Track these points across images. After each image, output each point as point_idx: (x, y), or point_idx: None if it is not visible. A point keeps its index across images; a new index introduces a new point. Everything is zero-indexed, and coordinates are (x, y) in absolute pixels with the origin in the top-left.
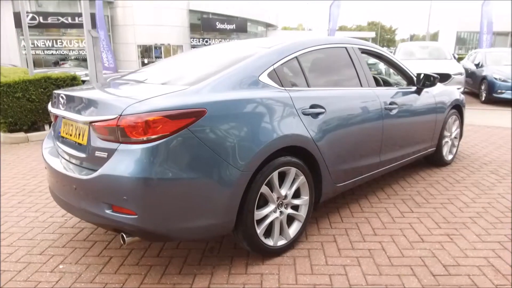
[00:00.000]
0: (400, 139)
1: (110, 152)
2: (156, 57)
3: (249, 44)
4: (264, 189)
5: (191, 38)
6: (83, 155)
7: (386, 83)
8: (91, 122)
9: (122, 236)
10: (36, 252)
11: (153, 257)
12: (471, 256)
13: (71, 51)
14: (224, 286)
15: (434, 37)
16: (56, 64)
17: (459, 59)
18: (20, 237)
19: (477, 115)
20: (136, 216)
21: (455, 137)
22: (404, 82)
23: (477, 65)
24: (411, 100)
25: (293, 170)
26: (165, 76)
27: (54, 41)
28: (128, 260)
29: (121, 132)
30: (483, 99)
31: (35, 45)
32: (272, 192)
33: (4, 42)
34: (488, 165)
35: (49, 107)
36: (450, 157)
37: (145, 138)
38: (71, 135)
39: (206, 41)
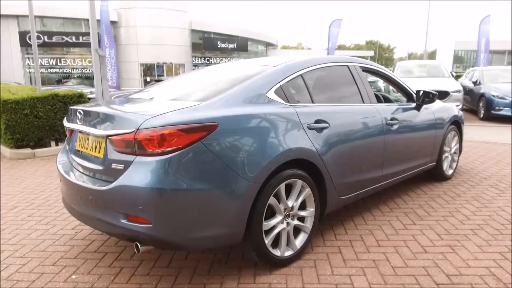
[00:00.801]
0: (401, 154)
1: (127, 164)
2: (158, 75)
3: (254, 63)
4: (272, 200)
5: (192, 56)
6: (99, 167)
7: (386, 100)
8: (108, 136)
9: (136, 245)
10: (49, 263)
11: (163, 267)
12: (473, 266)
13: (74, 69)
14: None
15: (432, 55)
16: (59, 82)
17: (457, 77)
18: (32, 249)
19: (476, 132)
20: (151, 225)
21: (455, 152)
22: (403, 99)
23: (474, 83)
24: (411, 116)
25: (299, 183)
26: (174, 93)
27: (57, 59)
28: (139, 270)
29: (138, 145)
30: (482, 116)
31: (39, 64)
32: (279, 203)
33: (8, 61)
34: (487, 180)
35: (65, 122)
36: (450, 171)
37: (160, 151)
38: (87, 149)
39: (208, 60)
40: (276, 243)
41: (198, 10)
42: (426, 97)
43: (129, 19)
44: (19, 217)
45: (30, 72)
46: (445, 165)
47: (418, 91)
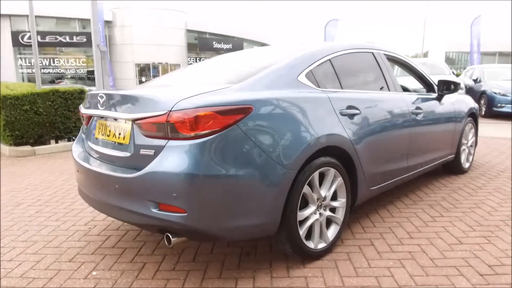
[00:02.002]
0: (424, 144)
1: (158, 149)
2: (154, 76)
3: (278, 48)
4: (306, 189)
5: (188, 57)
6: (125, 154)
7: (405, 89)
8: (135, 120)
9: (168, 236)
10: (65, 259)
11: (188, 262)
12: None
13: (67, 69)
14: None
15: (424, 56)
16: (52, 82)
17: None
18: (45, 245)
19: (480, 128)
20: (185, 214)
21: (471, 145)
22: (423, 90)
23: (475, 81)
24: (434, 106)
25: (332, 171)
26: (197, 78)
27: (51, 59)
28: (163, 265)
29: (171, 128)
30: (483, 113)
31: (32, 64)
32: (312, 192)
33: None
34: (504, 173)
35: (81, 108)
36: (467, 165)
37: (194, 134)
38: (108, 136)
39: (203, 60)
40: (308, 235)
41: (193, 10)
42: (448, 87)
43: (124, 19)
44: (26, 213)
45: (22, 73)
46: (463, 157)
47: (440, 81)
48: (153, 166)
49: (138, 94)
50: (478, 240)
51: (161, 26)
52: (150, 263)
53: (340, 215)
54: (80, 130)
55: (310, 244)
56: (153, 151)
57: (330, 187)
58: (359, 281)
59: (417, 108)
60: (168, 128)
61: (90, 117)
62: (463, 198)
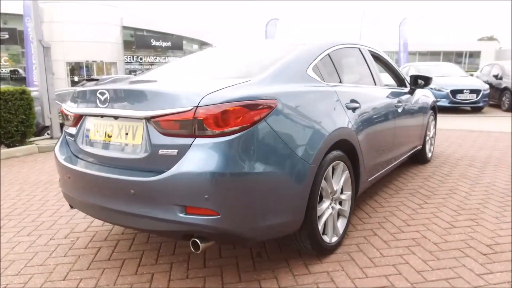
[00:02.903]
0: (404, 136)
1: (182, 148)
2: (88, 75)
3: (275, 43)
4: (323, 183)
5: (124, 55)
6: (137, 156)
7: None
8: (151, 118)
9: (195, 242)
10: (57, 278)
11: (200, 268)
12: (503, 235)
13: None
14: (296, 287)
15: None
16: None
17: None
18: (27, 264)
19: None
20: (218, 216)
21: (432, 136)
22: (394, 84)
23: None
24: (408, 99)
25: (341, 165)
26: (203, 72)
27: None
28: (174, 274)
29: (199, 125)
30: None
31: None
32: (327, 187)
33: None
34: (462, 160)
35: (68, 107)
36: (429, 154)
37: (225, 131)
38: (110, 136)
39: (141, 59)
40: (322, 230)
41: (129, 6)
42: (422, 81)
43: (52, 14)
44: None
45: None
46: (427, 148)
47: (412, 76)
48: (181, 167)
49: (154, 89)
50: (467, 223)
51: (94, 22)
52: (159, 273)
53: (347, 207)
54: (63, 133)
55: (326, 239)
56: (176, 150)
57: (339, 180)
58: (380, 271)
59: (398, 101)
60: (196, 125)
61: (80, 117)
62: (437, 186)
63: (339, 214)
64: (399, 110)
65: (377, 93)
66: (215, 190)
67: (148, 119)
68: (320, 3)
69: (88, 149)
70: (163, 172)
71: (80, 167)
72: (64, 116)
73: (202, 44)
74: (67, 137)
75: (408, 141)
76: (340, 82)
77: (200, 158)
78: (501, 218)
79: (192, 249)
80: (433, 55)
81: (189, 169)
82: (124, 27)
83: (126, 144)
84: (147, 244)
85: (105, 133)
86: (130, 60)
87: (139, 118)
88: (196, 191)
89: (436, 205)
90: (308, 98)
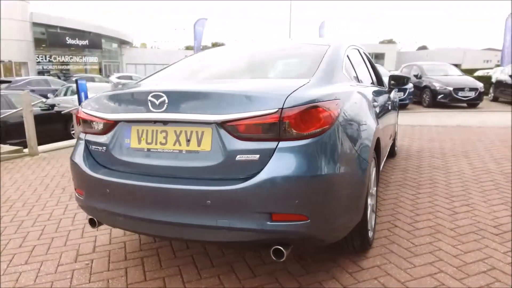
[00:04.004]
0: (390, 131)
1: (265, 153)
2: None
3: (297, 42)
4: (369, 180)
5: (36, 54)
6: (206, 164)
7: None
8: (225, 122)
9: (279, 250)
10: None
11: (249, 278)
12: (500, 216)
13: None
14: (358, 284)
15: None
16: None
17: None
18: None
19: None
20: (307, 221)
21: (396, 132)
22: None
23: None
24: (390, 98)
25: (374, 161)
26: (235, 73)
27: None
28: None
29: (284, 127)
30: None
31: None
32: (370, 183)
33: None
34: (422, 152)
35: (98, 113)
36: (396, 148)
37: (310, 132)
38: (164, 144)
39: (55, 58)
40: None
41: (41, 1)
42: (400, 81)
43: None
44: None
45: None
46: (396, 143)
47: (391, 76)
48: (269, 172)
49: (227, 91)
50: (465, 209)
51: None
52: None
53: (374, 201)
54: (83, 141)
55: (370, 234)
56: (258, 155)
57: (372, 176)
58: (422, 259)
59: (388, 99)
60: (282, 128)
61: (114, 124)
62: (418, 177)
63: (371, 209)
64: (390, 107)
65: (380, 92)
66: (306, 194)
67: (220, 123)
68: (249, 3)
69: (130, 159)
70: (241, 179)
71: (126, 179)
72: (84, 122)
73: (122, 43)
74: (92, 146)
75: (390, 136)
76: (358, 81)
77: (288, 162)
78: (489, 202)
79: (273, 257)
80: None
81: (278, 174)
82: (35, 24)
83: (188, 152)
84: (176, 258)
85: (156, 140)
86: (42, 59)
87: (207, 123)
88: (286, 197)
89: (429, 195)
90: (355, 97)
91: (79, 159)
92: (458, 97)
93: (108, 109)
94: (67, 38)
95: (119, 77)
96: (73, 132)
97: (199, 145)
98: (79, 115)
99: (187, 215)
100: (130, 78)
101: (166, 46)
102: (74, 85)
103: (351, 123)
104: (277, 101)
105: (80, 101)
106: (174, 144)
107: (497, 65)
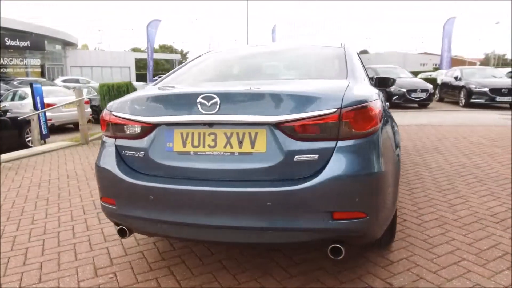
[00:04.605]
0: None
1: (325, 153)
2: None
3: (314, 45)
4: None
5: None
6: (262, 165)
7: None
8: (282, 122)
9: (337, 248)
10: None
11: (285, 279)
12: (493, 206)
13: None
14: (394, 277)
15: None
16: None
17: None
18: None
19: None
20: (366, 218)
21: None
22: None
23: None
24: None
25: None
26: (270, 72)
27: None
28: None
29: (343, 127)
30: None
31: None
32: None
33: None
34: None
35: (135, 116)
36: None
37: (366, 131)
38: (213, 147)
39: None
40: None
41: None
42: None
43: None
44: None
45: None
46: None
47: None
48: (330, 171)
49: (285, 91)
50: (459, 201)
51: None
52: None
53: None
54: (113, 146)
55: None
56: (317, 155)
57: None
58: (443, 249)
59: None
60: (340, 127)
61: (152, 127)
62: (404, 173)
63: None
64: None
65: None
66: (365, 191)
67: (275, 124)
68: (206, 3)
69: (174, 163)
70: (300, 179)
71: (174, 184)
72: (115, 126)
73: (66, 44)
74: (126, 151)
75: None
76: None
77: (348, 160)
78: (477, 193)
79: (330, 255)
80: None
81: (340, 172)
82: None
83: (241, 154)
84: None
85: (204, 143)
86: None
87: (262, 124)
88: (347, 195)
89: (422, 189)
90: (380, 96)
91: (110, 165)
92: (411, 98)
93: (147, 111)
94: (6, 39)
95: (64, 81)
96: (29, 139)
97: (252, 146)
98: (106, 118)
99: (244, 218)
100: (77, 81)
101: (112, 48)
102: (21, 90)
103: (387, 122)
104: (335, 101)
105: (36, 106)
106: (225, 147)
107: (436, 68)
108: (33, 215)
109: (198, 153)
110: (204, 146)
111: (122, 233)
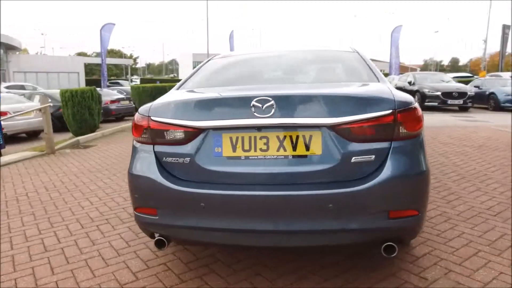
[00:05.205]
0: None
1: (380, 153)
2: None
3: (318, 48)
4: None
5: None
6: (318, 168)
7: None
8: (338, 124)
9: (390, 246)
10: None
11: (326, 279)
12: (477, 196)
13: None
14: (426, 271)
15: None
16: None
17: None
18: None
19: None
20: (418, 215)
21: None
22: None
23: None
24: None
25: None
26: (293, 76)
27: None
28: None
29: (398, 128)
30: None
31: None
32: None
33: None
34: None
35: (178, 120)
36: None
37: (416, 132)
38: (264, 151)
39: None
40: None
41: None
42: None
43: None
44: None
45: None
46: None
47: None
48: (389, 171)
49: (341, 93)
50: (453, 197)
51: None
52: None
53: None
54: (151, 153)
55: None
56: (373, 156)
57: None
58: (458, 242)
59: None
60: (395, 128)
61: (197, 132)
62: None
63: None
64: None
65: None
66: (417, 189)
67: (331, 126)
68: (162, 3)
69: (224, 168)
70: (357, 180)
71: (229, 190)
72: (153, 132)
73: (8, 49)
74: (167, 158)
75: None
76: None
77: (404, 160)
78: (466, 189)
79: (384, 253)
80: None
81: (398, 172)
82: None
83: (296, 156)
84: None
85: (255, 147)
86: None
87: (316, 126)
88: (403, 194)
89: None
90: None
91: (152, 173)
92: None
93: (192, 116)
94: None
95: (8, 87)
96: None
97: (307, 149)
98: (142, 123)
99: (303, 222)
100: (22, 87)
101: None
102: None
103: None
104: (389, 103)
105: None
106: (278, 150)
107: (386, 74)
108: (23, 231)
109: (250, 157)
110: (255, 150)
111: (160, 244)
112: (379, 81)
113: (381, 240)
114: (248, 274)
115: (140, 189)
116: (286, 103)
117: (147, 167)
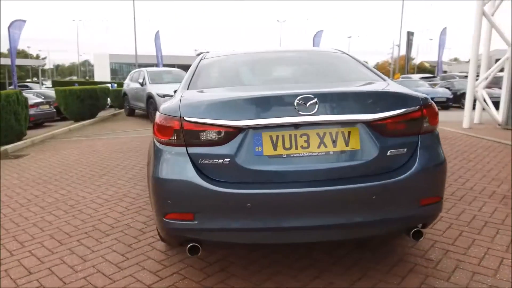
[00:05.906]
0: None
1: (411, 146)
2: None
3: (315, 50)
4: None
5: None
6: (358, 162)
7: None
8: (374, 120)
9: (418, 232)
10: None
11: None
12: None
13: None
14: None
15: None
16: None
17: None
18: None
19: None
20: (441, 201)
21: None
22: None
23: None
24: None
25: None
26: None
27: None
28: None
29: (424, 122)
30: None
31: None
32: None
33: None
34: None
35: (215, 120)
36: None
37: (436, 126)
38: (305, 148)
39: None
40: None
41: None
42: None
43: None
44: None
45: None
46: None
47: None
48: (422, 162)
49: (379, 91)
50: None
51: None
52: None
53: None
54: (185, 155)
55: None
56: (405, 149)
57: None
58: (476, 224)
59: None
60: (423, 122)
61: (235, 131)
62: None
63: None
64: None
65: None
66: (440, 177)
67: (368, 122)
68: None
69: (265, 167)
70: (392, 171)
71: (275, 189)
72: (188, 133)
73: None
74: (204, 160)
75: None
76: None
77: (431, 151)
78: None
79: (412, 238)
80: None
81: (429, 162)
82: None
83: (336, 152)
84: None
85: (296, 145)
86: None
87: (355, 122)
88: (431, 182)
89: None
90: None
91: (189, 176)
92: None
93: (230, 115)
94: None
95: None
96: None
97: (347, 145)
98: (173, 124)
99: (348, 215)
100: None
101: None
102: None
103: None
104: (415, 99)
105: None
106: (319, 147)
107: None
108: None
109: (291, 155)
110: (296, 148)
111: (194, 251)
112: (385, 80)
113: (411, 227)
114: (270, 273)
115: (174, 194)
116: (326, 101)
117: (181, 170)
